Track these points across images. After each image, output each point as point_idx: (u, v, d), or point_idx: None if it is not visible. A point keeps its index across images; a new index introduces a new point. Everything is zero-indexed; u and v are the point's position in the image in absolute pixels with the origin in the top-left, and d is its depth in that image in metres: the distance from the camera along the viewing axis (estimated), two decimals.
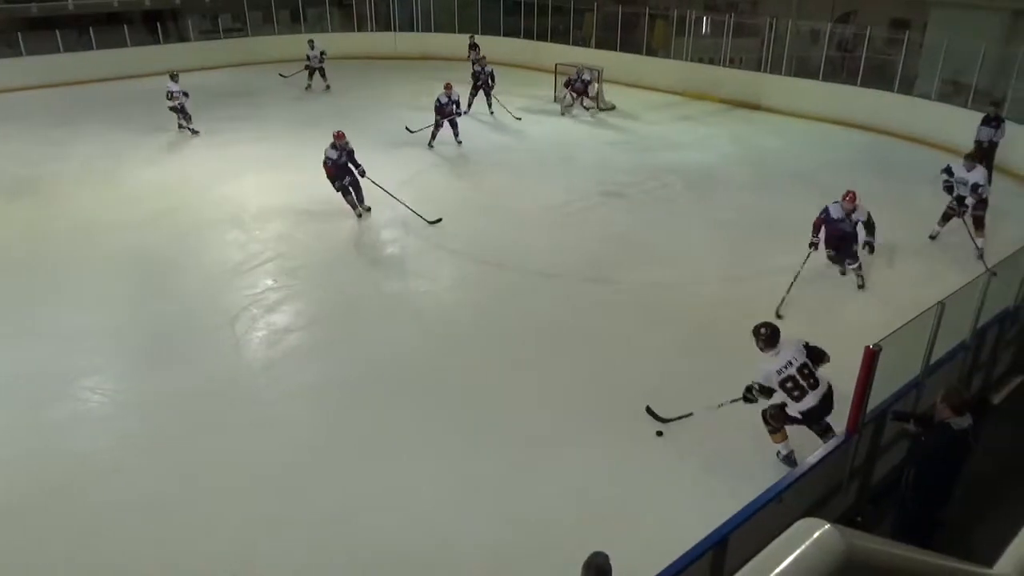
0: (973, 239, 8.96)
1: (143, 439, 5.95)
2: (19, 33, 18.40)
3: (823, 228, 7.99)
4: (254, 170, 12.45)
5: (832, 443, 4.66)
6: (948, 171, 9.07)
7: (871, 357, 4.43)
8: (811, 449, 4.83)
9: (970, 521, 4.72)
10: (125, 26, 20.07)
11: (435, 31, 22.93)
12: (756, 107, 17.02)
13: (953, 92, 14.22)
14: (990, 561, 2.08)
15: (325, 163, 9.91)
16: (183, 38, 21.76)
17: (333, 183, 10.06)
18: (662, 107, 17.38)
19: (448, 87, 13.25)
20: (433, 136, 13.58)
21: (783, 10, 17.94)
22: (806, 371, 5.14)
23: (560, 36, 21.08)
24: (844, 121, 15.35)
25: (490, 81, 15.58)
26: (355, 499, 5.28)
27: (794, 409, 5.22)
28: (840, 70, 16.62)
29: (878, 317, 6.83)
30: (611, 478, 5.47)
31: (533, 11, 21.16)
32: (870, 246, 8.03)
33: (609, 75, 17.46)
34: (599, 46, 20.07)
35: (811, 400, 5.13)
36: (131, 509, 5.18)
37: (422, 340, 7.46)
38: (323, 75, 18.07)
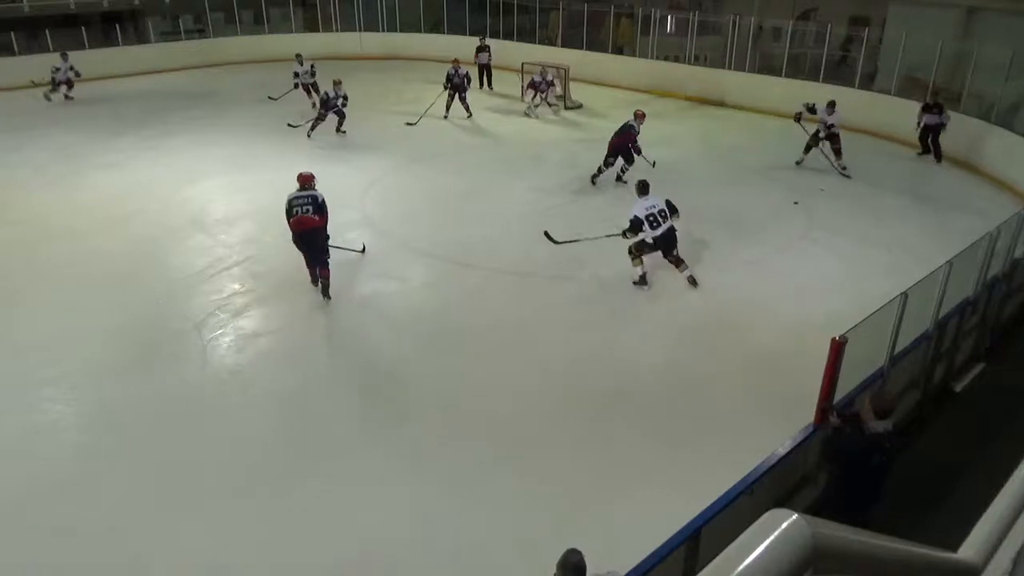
0: (834, 164, 11.93)
1: (107, 448, 5.82)
2: None
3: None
4: (217, 173, 12.25)
5: (800, 434, 4.72)
6: (811, 109, 11.66)
7: (838, 348, 4.50)
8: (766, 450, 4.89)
9: (932, 507, 4.81)
10: (83, 28, 19.63)
11: (400, 31, 22.82)
12: (721, 104, 17.21)
13: (912, 87, 14.52)
14: (953, 546, 2.12)
15: None
16: (143, 40, 21.35)
17: None
18: (629, 105, 17.34)
19: (337, 83, 13.64)
20: (312, 127, 13.84)
21: (746, 8, 18.16)
22: (663, 215, 7.98)
23: (526, 35, 21.10)
24: (807, 117, 15.52)
25: (466, 83, 15.64)
26: (324, 505, 5.22)
27: (650, 236, 7.97)
28: (802, 67, 16.87)
29: (843, 309, 6.94)
30: (583, 474, 5.48)
31: (499, 10, 21.14)
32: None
33: (576, 73, 17.51)
34: (565, 44, 20.13)
35: (662, 229, 7.95)
36: (94, 517, 5.07)
37: (393, 342, 7.42)
38: (316, 90, 15.70)
